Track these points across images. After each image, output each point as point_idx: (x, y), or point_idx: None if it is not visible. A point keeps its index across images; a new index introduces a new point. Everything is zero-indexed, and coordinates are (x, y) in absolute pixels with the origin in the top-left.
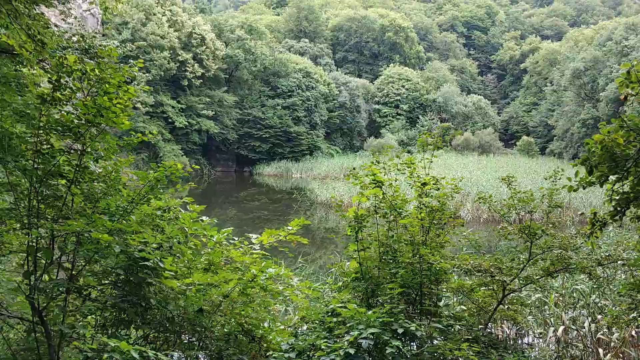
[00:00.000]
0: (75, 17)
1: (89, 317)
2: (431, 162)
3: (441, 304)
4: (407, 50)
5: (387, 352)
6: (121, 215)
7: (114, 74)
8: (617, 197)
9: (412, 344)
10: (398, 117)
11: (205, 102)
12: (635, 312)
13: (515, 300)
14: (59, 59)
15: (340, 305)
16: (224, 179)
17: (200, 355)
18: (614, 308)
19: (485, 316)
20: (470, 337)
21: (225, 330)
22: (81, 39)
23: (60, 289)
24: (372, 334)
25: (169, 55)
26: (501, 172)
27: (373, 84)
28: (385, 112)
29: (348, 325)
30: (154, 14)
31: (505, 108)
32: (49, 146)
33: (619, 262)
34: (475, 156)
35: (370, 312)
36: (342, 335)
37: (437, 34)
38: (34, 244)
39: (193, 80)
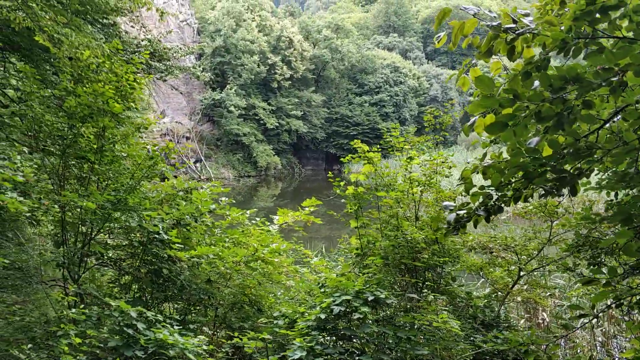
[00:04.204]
0: (142, 25)
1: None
2: (438, 142)
3: (456, 283)
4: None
5: (354, 317)
6: (125, 191)
7: (125, 65)
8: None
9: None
10: None
11: (294, 102)
12: None
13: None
14: (74, 55)
15: (326, 277)
16: (315, 177)
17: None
18: None
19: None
20: (457, 313)
21: (234, 300)
22: (148, 43)
23: (77, 254)
24: (346, 300)
25: (259, 59)
26: None
27: (467, 75)
28: None
29: (328, 294)
30: (244, 20)
31: None
32: (71, 130)
33: None
34: None
35: (348, 282)
36: (321, 302)
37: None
38: (62, 217)
39: (282, 82)
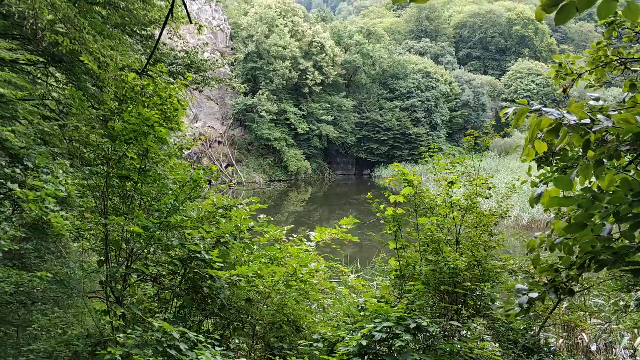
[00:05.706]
0: (180, 35)
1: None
2: (481, 160)
3: (495, 304)
4: (537, 43)
5: (396, 344)
6: (168, 211)
7: (169, 87)
8: None
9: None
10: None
11: (325, 107)
12: None
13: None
14: (120, 76)
15: (366, 300)
16: (344, 182)
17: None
18: None
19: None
20: (501, 339)
21: (272, 319)
22: (185, 54)
23: (120, 272)
24: (387, 327)
25: (291, 64)
26: None
27: (500, 80)
28: None
29: (368, 318)
30: (276, 26)
31: None
32: (115, 152)
33: None
34: None
35: (389, 307)
36: (362, 327)
37: (572, 24)
38: (105, 237)
39: (313, 87)
